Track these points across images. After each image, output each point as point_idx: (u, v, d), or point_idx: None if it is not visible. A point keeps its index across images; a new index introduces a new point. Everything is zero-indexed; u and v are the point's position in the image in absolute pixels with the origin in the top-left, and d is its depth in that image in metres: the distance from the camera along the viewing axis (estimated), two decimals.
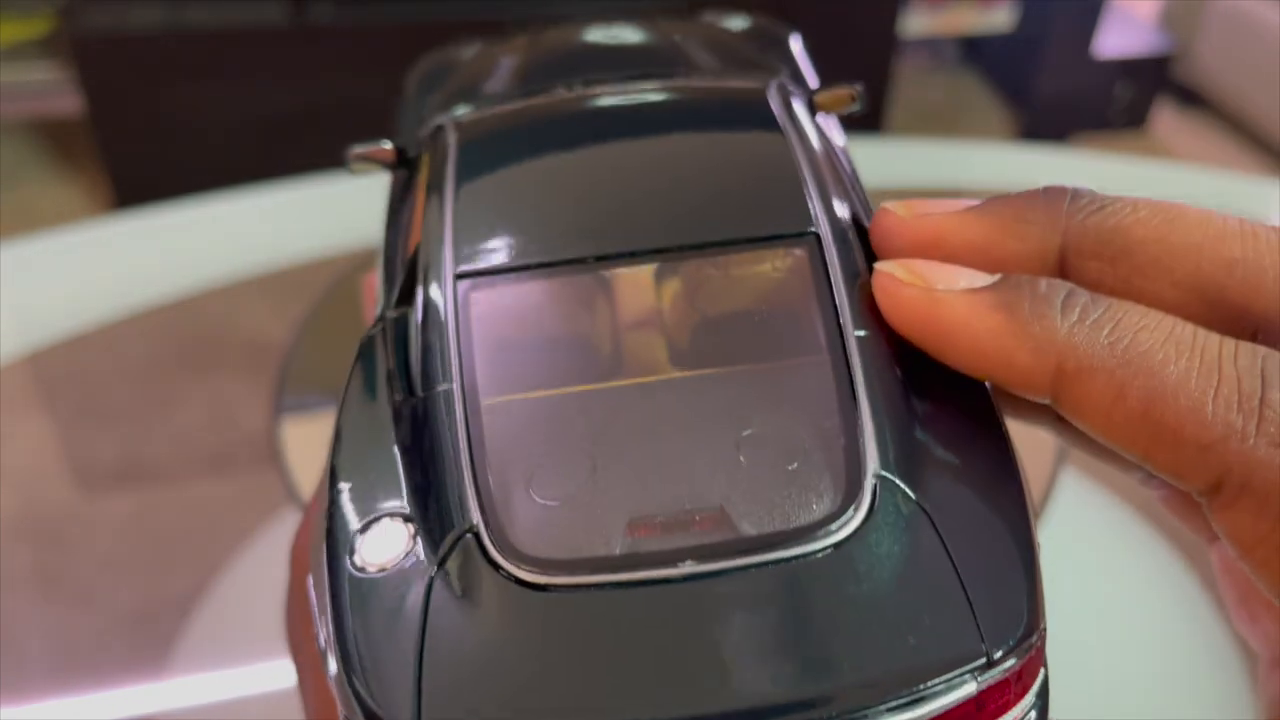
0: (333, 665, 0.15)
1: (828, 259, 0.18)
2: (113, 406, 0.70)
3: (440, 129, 0.23)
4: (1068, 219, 0.18)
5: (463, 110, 0.26)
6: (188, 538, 0.62)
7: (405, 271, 0.21)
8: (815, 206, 0.19)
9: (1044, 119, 2.01)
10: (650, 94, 0.23)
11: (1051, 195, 0.19)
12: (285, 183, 0.83)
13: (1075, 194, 0.19)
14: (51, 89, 1.63)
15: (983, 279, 0.17)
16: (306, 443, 0.54)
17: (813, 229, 0.19)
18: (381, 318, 0.21)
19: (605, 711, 0.14)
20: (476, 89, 0.27)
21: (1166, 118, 2.12)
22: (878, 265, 0.18)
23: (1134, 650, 0.52)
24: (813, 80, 0.28)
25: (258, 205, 0.83)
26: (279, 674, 0.53)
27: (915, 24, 1.93)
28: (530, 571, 0.15)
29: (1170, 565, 0.51)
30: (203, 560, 0.59)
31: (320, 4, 1.58)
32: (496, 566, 0.15)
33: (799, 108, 0.22)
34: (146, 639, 0.55)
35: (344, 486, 0.17)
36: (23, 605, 0.57)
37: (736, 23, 0.30)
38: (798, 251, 0.19)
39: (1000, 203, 0.19)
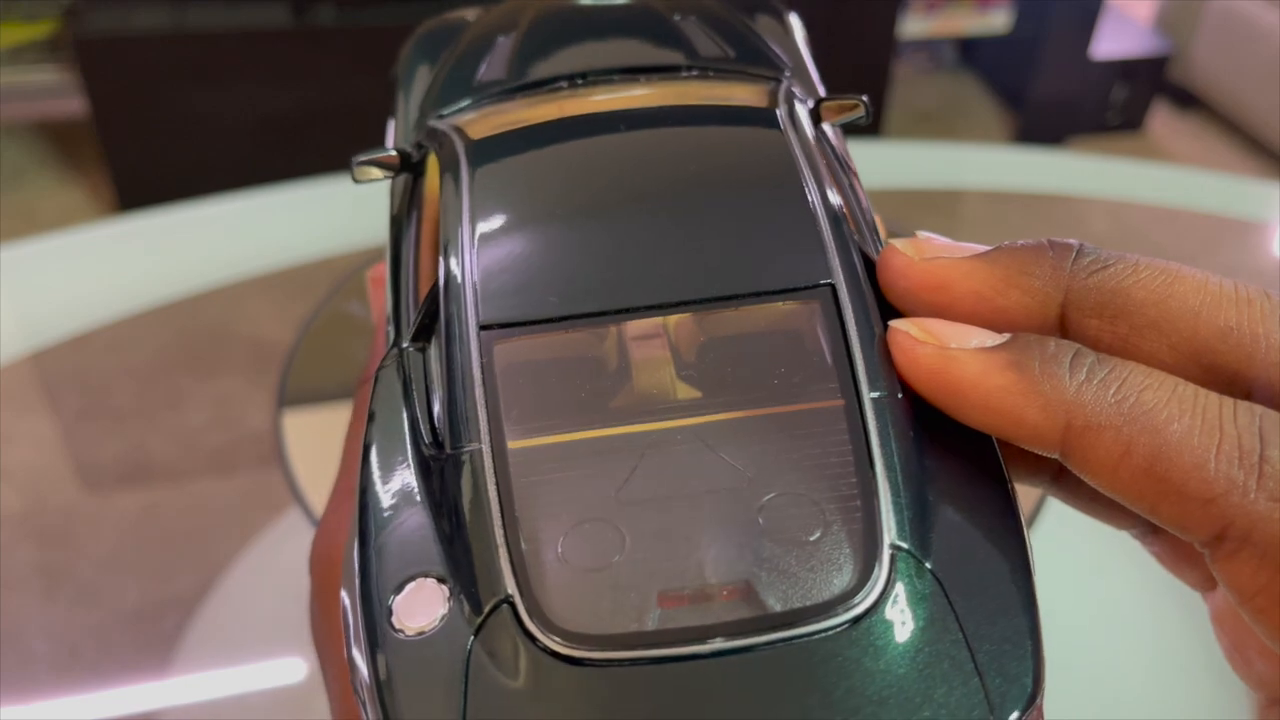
0: None
1: (843, 310, 0.19)
2: (116, 406, 0.71)
3: (445, 138, 0.24)
4: (1071, 276, 0.19)
5: (464, 105, 0.26)
6: (191, 536, 0.62)
7: (424, 307, 0.21)
8: (831, 253, 0.20)
9: (1041, 121, 2.02)
10: (661, 115, 0.23)
11: (1057, 250, 0.19)
12: (288, 183, 0.83)
13: (1080, 250, 0.19)
14: (55, 91, 1.63)
15: (994, 338, 0.18)
16: (310, 441, 0.54)
17: (828, 280, 0.19)
18: (397, 346, 0.21)
19: None
20: (474, 75, 0.27)
21: (1163, 120, 2.13)
22: (893, 324, 0.19)
23: (1137, 654, 0.52)
24: (811, 64, 0.28)
25: (260, 206, 0.84)
26: (282, 671, 0.53)
27: (913, 26, 1.94)
28: (565, 645, 0.16)
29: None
30: (206, 559, 0.59)
31: (322, 6, 1.58)
32: (532, 638, 0.16)
33: (809, 128, 0.23)
34: (150, 637, 0.56)
35: (377, 542, 0.17)
36: (27, 604, 0.58)
37: None
38: (815, 304, 0.19)
39: (1006, 253, 0.19)
